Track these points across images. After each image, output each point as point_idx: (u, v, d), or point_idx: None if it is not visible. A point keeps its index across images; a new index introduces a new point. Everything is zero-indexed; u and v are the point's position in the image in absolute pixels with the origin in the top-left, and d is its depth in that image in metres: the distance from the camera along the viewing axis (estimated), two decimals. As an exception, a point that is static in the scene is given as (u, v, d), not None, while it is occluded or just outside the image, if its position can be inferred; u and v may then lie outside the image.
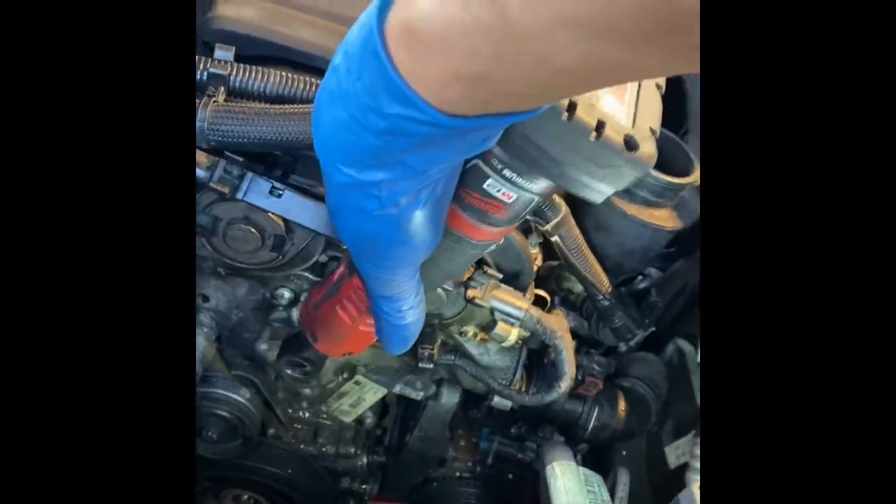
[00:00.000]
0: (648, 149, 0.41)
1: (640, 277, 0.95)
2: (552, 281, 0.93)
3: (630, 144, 0.40)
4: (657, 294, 0.93)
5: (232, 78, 0.62)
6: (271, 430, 1.06)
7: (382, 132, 0.38)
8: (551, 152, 0.40)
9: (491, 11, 0.30)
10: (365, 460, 1.11)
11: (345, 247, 0.71)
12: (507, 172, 0.44)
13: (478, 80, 0.34)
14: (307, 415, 1.05)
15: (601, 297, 0.82)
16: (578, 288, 0.92)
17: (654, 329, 0.92)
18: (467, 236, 0.50)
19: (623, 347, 0.96)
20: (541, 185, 0.45)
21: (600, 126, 0.39)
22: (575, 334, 0.89)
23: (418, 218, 0.44)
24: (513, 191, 0.45)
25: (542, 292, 0.87)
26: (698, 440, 0.88)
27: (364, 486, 1.15)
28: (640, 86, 0.45)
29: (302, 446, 1.07)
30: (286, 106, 0.61)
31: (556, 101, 0.39)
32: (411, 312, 0.54)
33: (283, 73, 0.65)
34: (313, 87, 0.64)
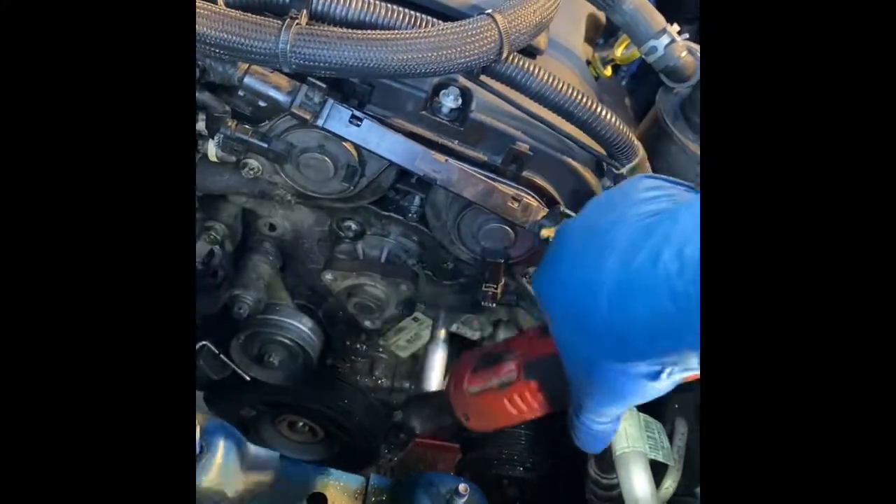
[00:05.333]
0: None
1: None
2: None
3: None
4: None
5: (315, 1, 0.61)
6: (329, 361, 1.08)
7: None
8: None
9: None
10: (418, 396, 1.13)
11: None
12: None
13: None
14: (365, 347, 1.07)
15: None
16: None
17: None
18: None
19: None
20: None
21: None
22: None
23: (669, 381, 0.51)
24: None
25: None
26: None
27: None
28: None
29: (358, 378, 1.10)
30: (369, 31, 0.60)
31: None
32: (614, 423, 0.58)
33: (366, -1, 0.63)
34: (395, 14, 0.63)
